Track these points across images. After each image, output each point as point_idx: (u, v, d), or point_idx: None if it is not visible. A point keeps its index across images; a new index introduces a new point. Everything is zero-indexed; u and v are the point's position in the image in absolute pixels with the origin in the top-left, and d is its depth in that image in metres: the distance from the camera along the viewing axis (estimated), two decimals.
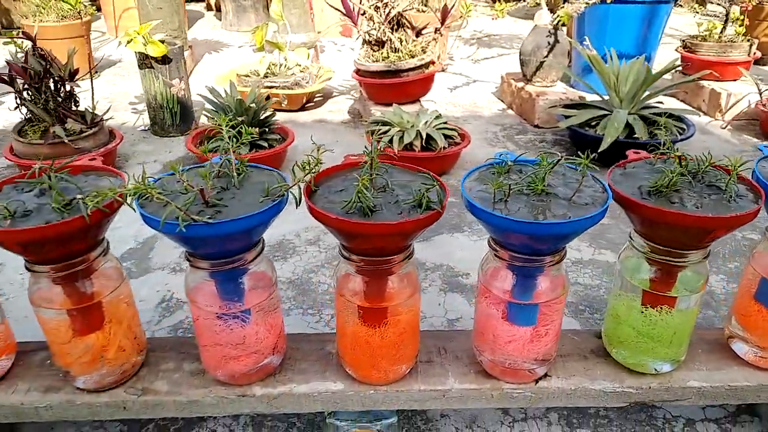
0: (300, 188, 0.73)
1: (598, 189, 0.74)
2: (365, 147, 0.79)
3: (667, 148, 0.78)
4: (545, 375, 0.85)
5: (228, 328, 0.78)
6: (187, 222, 0.64)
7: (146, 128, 2.18)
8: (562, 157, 0.73)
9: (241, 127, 0.82)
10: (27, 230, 0.65)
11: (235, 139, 0.78)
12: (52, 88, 1.65)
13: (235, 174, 0.75)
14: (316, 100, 2.57)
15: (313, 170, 0.72)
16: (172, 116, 2.05)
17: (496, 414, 0.97)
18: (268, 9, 4.01)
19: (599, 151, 1.75)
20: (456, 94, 2.67)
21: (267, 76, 2.34)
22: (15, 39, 2.06)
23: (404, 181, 0.77)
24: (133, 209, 0.69)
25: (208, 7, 4.57)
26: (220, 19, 4.12)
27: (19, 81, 1.63)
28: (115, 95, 2.55)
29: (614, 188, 0.74)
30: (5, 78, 1.63)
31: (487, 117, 2.40)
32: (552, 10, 2.26)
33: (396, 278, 0.77)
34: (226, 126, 0.77)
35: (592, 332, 0.95)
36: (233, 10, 3.79)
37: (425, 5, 2.86)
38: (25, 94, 1.65)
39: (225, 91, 1.80)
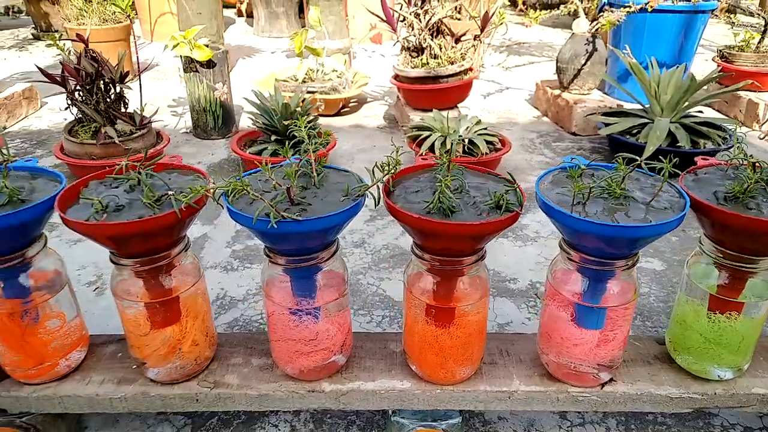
0: (378, 188, 0.75)
1: (674, 194, 0.75)
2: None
3: (741, 156, 0.79)
4: (611, 380, 0.85)
5: (301, 324, 0.80)
6: (277, 219, 0.66)
7: (188, 131, 2.22)
8: (641, 161, 0.74)
9: (302, 130, 0.83)
10: (122, 224, 0.67)
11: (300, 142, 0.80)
12: (103, 89, 1.68)
13: (315, 174, 0.77)
14: (351, 105, 2.60)
15: (392, 171, 0.74)
16: (214, 119, 2.09)
17: (553, 418, 0.98)
18: (299, 16, 4.06)
19: (642, 159, 1.75)
20: (490, 101, 2.68)
21: (305, 82, 2.38)
22: (58, 42, 2.11)
23: (477, 182, 0.78)
24: (221, 206, 0.72)
25: (239, 13, 4.64)
26: (251, 26, 4.17)
27: (71, 82, 1.67)
28: (155, 98, 2.60)
29: (690, 193, 0.75)
30: (58, 79, 1.67)
31: (522, 124, 2.40)
32: (591, 19, 2.26)
33: (467, 279, 0.79)
34: (305, 127, 0.79)
35: (654, 338, 0.95)
36: (266, 17, 3.84)
37: (458, 13, 2.89)
38: (76, 95, 1.69)
39: (270, 94, 1.83)
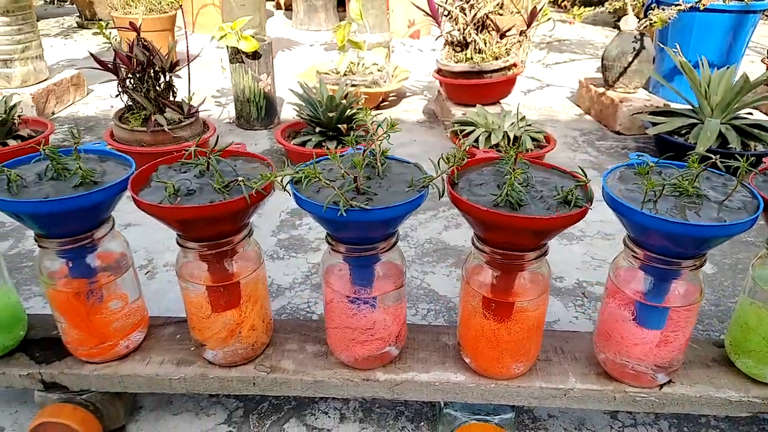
0: (443, 180, 0.75)
1: (746, 194, 0.73)
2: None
3: None
4: (669, 381, 0.84)
5: (359, 312, 0.81)
6: (346, 207, 0.66)
7: (231, 120, 2.25)
8: (715, 159, 0.72)
9: (368, 120, 0.83)
10: (194, 208, 0.69)
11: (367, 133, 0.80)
12: (153, 78, 1.71)
13: (379, 164, 0.77)
14: (390, 99, 2.60)
15: (458, 162, 0.74)
16: (257, 110, 2.11)
17: (604, 418, 0.97)
18: (337, 9, 4.07)
19: (717, 158, 1.72)
20: (531, 98, 2.65)
21: (346, 75, 2.38)
22: (104, 30, 2.15)
23: (542, 177, 0.77)
24: (289, 193, 0.72)
25: (277, 6, 4.67)
26: (290, 18, 4.20)
27: (123, 70, 1.70)
28: (198, 88, 2.63)
29: (762, 194, 0.73)
30: (110, 66, 1.71)
31: (564, 121, 2.37)
32: (637, 17, 2.22)
33: (527, 275, 0.78)
34: (370, 120, 0.79)
35: (712, 341, 0.93)
36: (304, 10, 3.86)
37: (500, 8, 2.86)
38: (127, 82, 1.72)
39: (315, 87, 1.84)
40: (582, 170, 0.71)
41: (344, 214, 0.66)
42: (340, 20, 4.13)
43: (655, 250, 0.74)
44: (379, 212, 0.68)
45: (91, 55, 1.69)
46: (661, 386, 0.83)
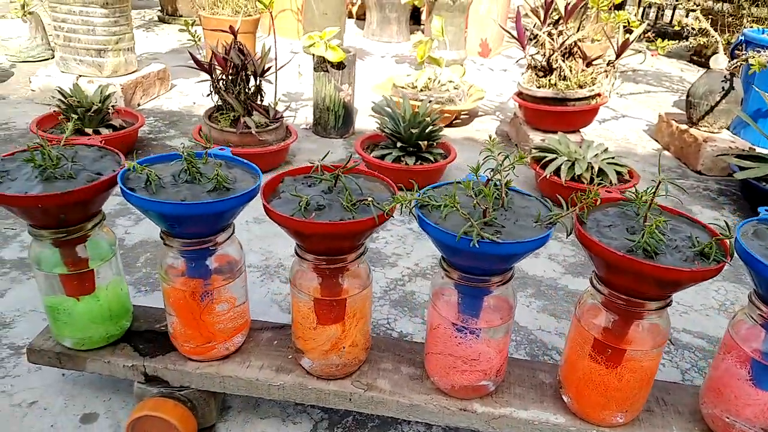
0: (572, 218, 0.74)
1: None
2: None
3: None
4: None
5: (465, 341, 0.80)
6: (479, 238, 0.66)
7: (307, 126, 2.28)
8: None
9: (494, 151, 0.83)
10: (326, 224, 0.70)
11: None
12: (245, 81, 1.76)
13: (504, 196, 0.76)
14: (462, 117, 2.59)
15: (588, 202, 0.73)
16: (335, 119, 2.14)
17: None
18: (410, 22, 4.09)
19: None
20: (606, 128, 2.60)
21: (422, 90, 2.39)
22: (190, 28, 2.22)
23: (672, 224, 0.75)
24: (414, 216, 0.73)
25: (349, 15, 4.73)
26: (361, 28, 4.24)
27: (218, 71, 1.75)
28: (272, 93, 2.69)
29: None
30: (206, 66, 1.76)
31: (641, 155, 2.32)
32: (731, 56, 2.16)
33: (645, 323, 0.76)
34: (497, 151, 0.79)
35: None
36: (378, 21, 3.90)
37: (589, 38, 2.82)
38: (220, 83, 1.77)
39: (398, 101, 1.85)
40: (727, 225, 0.69)
41: (477, 246, 0.66)
42: (411, 34, 4.16)
43: None
44: (510, 246, 0.68)
45: (190, 54, 1.75)
46: None
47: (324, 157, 0.86)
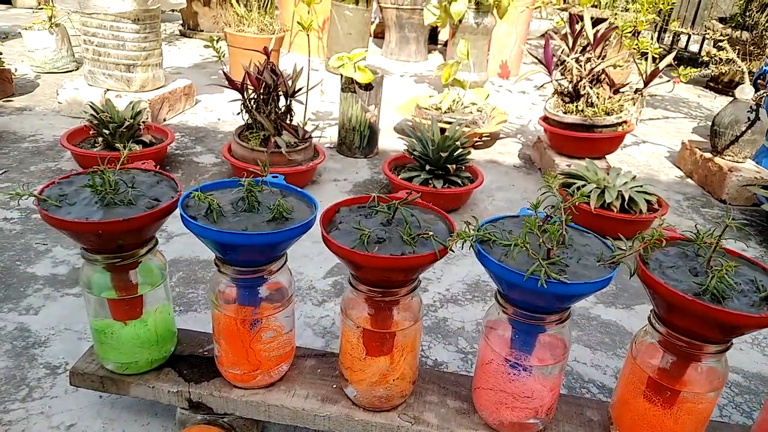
0: (635, 258, 0.73)
1: None
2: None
3: None
4: None
5: (517, 378, 0.79)
6: (546, 278, 0.66)
7: (332, 146, 2.29)
8: None
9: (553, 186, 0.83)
10: (392, 258, 0.69)
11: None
12: (276, 101, 1.77)
13: (565, 233, 0.76)
14: (484, 139, 2.60)
15: (651, 243, 0.72)
16: (360, 139, 2.14)
17: None
18: (427, 42, 4.12)
19: None
20: (628, 153, 2.60)
21: (446, 112, 2.40)
22: (215, 44, 2.24)
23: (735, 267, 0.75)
24: (475, 251, 0.72)
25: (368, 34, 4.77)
26: (380, 47, 4.28)
27: (250, 90, 1.76)
28: (298, 110, 2.70)
29: None
30: (238, 85, 1.77)
31: (665, 182, 2.32)
32: (755, 87, 2.16)
33: (704, 366, 0.75)
34: (555, 184, 0.79)
35: None
36: (397, 40, 3.92)
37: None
38: (251, 102, 1.78)
39: (426, 123, 1.85)
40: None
41: (545, 286, 0.65)
42: (429, 53, 4.19)
43: None
44: (578, 287, 0.67)
45: (224, 73, 1.76)
46: None
47: (380, 189, 0.85)
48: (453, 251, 0.75)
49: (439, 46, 4.55)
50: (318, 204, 0.81)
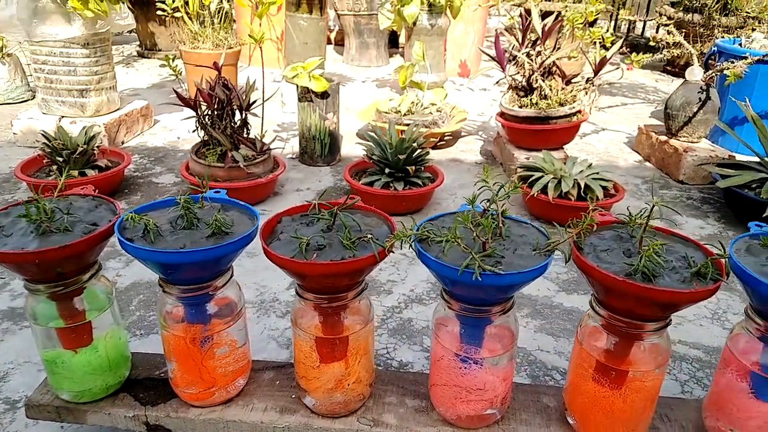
0: (570, 245, 0.75)
1: None
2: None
3: None
4: None
5: (469, 372, 0.80)
6: (481, 271, 0.67)
7: (294, 156, 2.29)
8: None
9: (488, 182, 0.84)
10: (331, 264, 0.70)
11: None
12: (231, 115, 1.76)
13: (501, 226, 0.77)
14: (446, 138, 2.62)
15: (585, 228, 0.74)
16: (322, 147, 2.15)
17: None
18: (388, 46, 4.14)
19: (764, 216, 1.69)
20: (588, 142, 2.64)
21: (406, 114, 2.41)
22: (171, 63, 2.22)
23: (667, 245, 0.77)
24: (414, 250, 0.73)
25: (328, 41, 4.78)
26: (341, 54, 4.29)
27: (203, 106, 1.76)
28: (259, 122, 2.69)
29: None
30: (191, 102, 1.76)
31: (624, 168, 2.36)
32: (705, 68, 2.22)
33: (646, 344, 0.77)
34: (492, 181, 0.80)
35: None
36: (356, 46, 3.94)
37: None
38: (205, 119, 1.77)
39: (382, 126, 1.86)
40: (722, 245, 0.70)
41: (479, 279, 0.66)
42: (390, 57, 4.21)
43: None
44: (513, 277, 0.68)
45: (175, 91, 1.75)
46: None
47: (322, 194, 0.86)
48: (393, 252, 0.76)
49: (400, 50, 4.58)
50: (259, 216, 0.81)
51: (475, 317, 0.78)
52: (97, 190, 0.87)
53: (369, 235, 0.73)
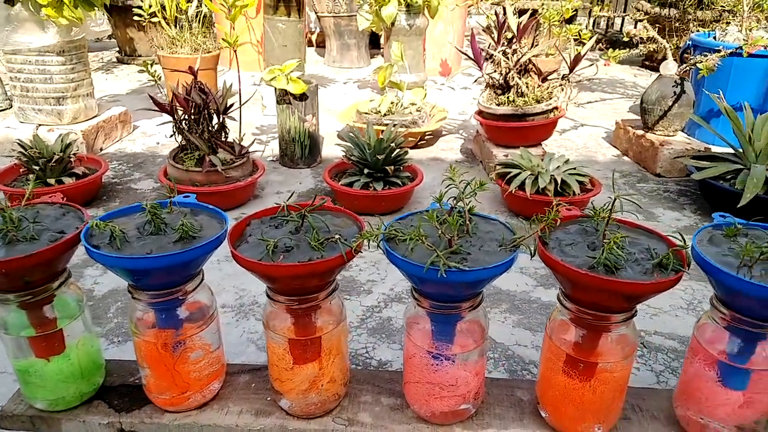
0: (535, 240, 0.76)
1: None
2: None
3: None
4: None
5: (441, 368, 0.81)
6: (446, 268, 0.67)
7: (274, 159, 2.29)
8: None
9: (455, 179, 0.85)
10: (298, 266, 0.70)
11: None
12: (208, 119, 1.76)
13: (468, 223, 0.78)
14: (427, 138, 2.63)
15: (549, 222, 0.75)
16: (302, 149, 2.15)
17: None
18: (368, 48, 4.15)
19: (738, 206, 1.71)
20: (567, 138, 2.67)
21: (386, 114, 2.42)
22: (149, 68, 2.22)
23: (630, 237, 0.78)
24: (382, 250, 0.74)
25: (309, 43, 4.77)
26: (322, 55, 4.29)
27: (180, 111, 1.75)
28: (238, 127, 2.69)
29: None
30: (167, 108, 1.76)
31: (602, 162, 2.38)
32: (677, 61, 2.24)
33: (614, 335, 0.78)
34: (458, 179, 0.81)
35: None
36: (338, 48, 3.94)
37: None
38: (183, 123, 1.77)
39: (361, 127, 1.87)
40: (682, 236, 0.72)
41: (444, 276, 0.67)
42: (371, 58, 4.22)
43: (745, 312, 0.73)
44: (477, 273, 0.69)
45: (150, 97, 1.74)
46: None
47: (290, 197, 0.86)
48: (362, 252, 0.76)
49: (381, 51, 4.58)
50: (228, 219, 0.81)
51: (445, 314, 0.78)
52: (65, 198, 0.86)
53: (337, 236, 0.73)
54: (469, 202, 0.78)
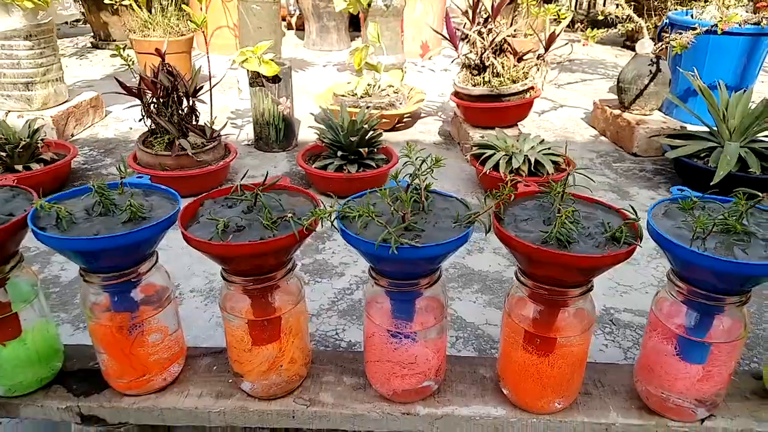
0: (489, 216, 0.75)
1: None
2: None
3: None
4: (710, 415, 0.84)
5: (400, 346, 0.81)
6: (397, 245, 0.67)
7: (249, 143, 2.26)
8: (763, 197, 0.73)
9: (411, 155, 0.84)
10: (245, 245, 0.69)
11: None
12: (177, 102, 1.73)
13: (423, 200, 0.77)
14: (405, 120, 2.61)
15: (503, 199, 0.74)
16: (276, 132, 2.13)
17: None
18: (349, 30, 4.10)
19: (711, 184, 1.72)
20: (545, 119, 2.66)
21: (363, 97, 2.40)
22: (122, 52, 2.18)
23: (586, 212, 0.78)
24: (336, 229, 0.73)
25: (289, 26, 4.72)
26: (302, 39, 4.24)
27: (147, 94, 1.72)
28: (215, 110, 2.64)
29: None
30: (134, 91, 1.72)
31: (580, 143, 2.38)
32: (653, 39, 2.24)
33: (571, 310, 0.78)
34: (414, 156, 0.80)
35: (750, 372, 0.92)
36: (317, 31, 3.89)
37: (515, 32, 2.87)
38: (151, 107, 1.74)
39: (335, 110, 1.85)
40: (633, 209, 0.71)
41: (396, 252, 0.66)
42: (352, 41, 4.17)
43: (701, 285, 0.74)
44: (430, 249, 0.68)
45: (117, 80, 1.71)
46: (702, 420, 0.83)
47: (244, 176, 0.85)
48: (315, 230, 0.75)
49: (362, 33, 4.54)
50: (180, 200, 0.80)
51: (403, 291, 0.78)
52: (15, 181, 0.84)
53: (290, 214, 0.72)
54: (425, 179, 0.78)
